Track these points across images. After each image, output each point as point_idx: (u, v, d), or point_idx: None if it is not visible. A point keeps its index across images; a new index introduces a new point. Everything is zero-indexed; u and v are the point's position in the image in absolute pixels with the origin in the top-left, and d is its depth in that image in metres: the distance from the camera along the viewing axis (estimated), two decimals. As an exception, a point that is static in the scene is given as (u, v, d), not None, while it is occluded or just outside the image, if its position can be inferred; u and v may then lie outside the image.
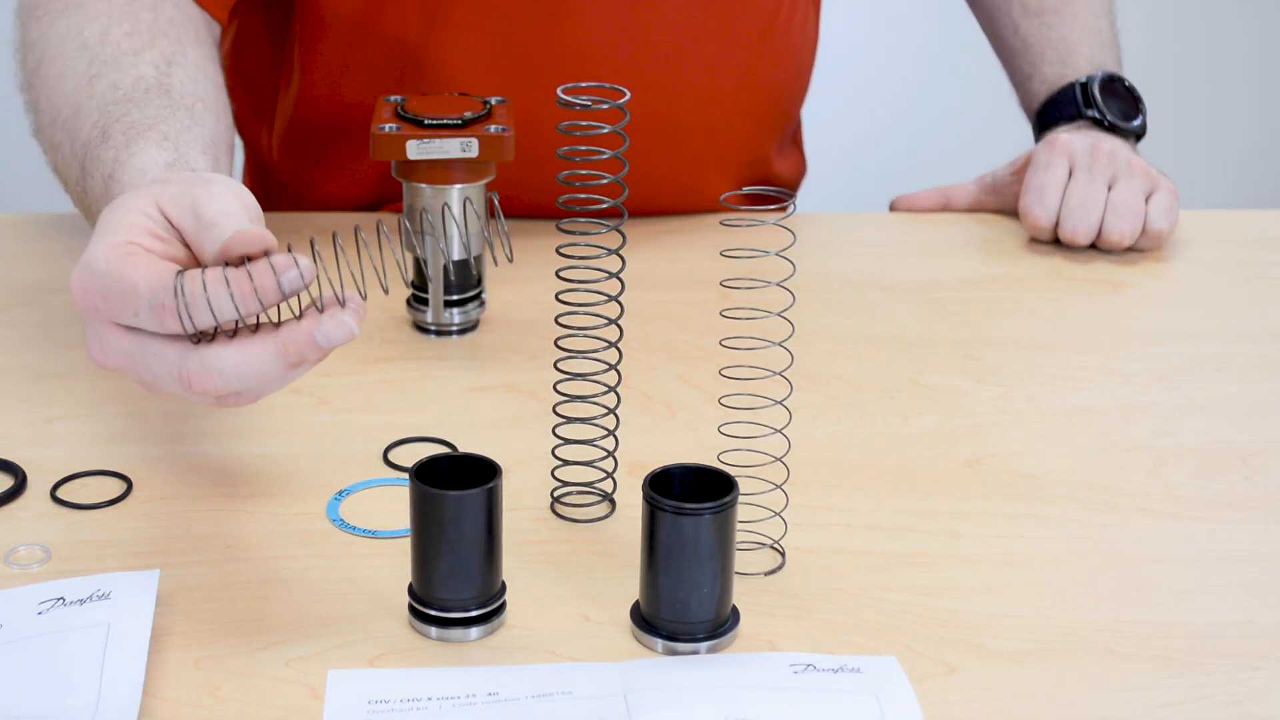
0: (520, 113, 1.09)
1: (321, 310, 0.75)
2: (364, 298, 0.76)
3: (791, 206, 0.88)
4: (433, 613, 0.78)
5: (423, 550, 0.77)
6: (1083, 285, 1.20)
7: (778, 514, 0.85)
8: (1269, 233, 1.33)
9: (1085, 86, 1.31)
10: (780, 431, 0.84)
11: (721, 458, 0.83)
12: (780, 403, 0.84)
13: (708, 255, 1.17)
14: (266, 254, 0.74)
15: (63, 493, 0.89)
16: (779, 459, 0.84)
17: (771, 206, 1.12)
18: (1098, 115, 1.30)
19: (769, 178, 1.34)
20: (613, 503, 0.90)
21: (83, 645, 0.75)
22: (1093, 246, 1.25)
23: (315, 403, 1.00)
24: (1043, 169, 1.26)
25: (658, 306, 1.12)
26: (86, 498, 0.89)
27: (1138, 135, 1.32)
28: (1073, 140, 1.27)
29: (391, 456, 0.94)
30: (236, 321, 0.74)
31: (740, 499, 0.77)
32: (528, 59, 1.19)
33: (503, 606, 0.79)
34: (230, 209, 0.77)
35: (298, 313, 0.75)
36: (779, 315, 0.82)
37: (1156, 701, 0.76)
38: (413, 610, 0.79)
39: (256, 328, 0.75)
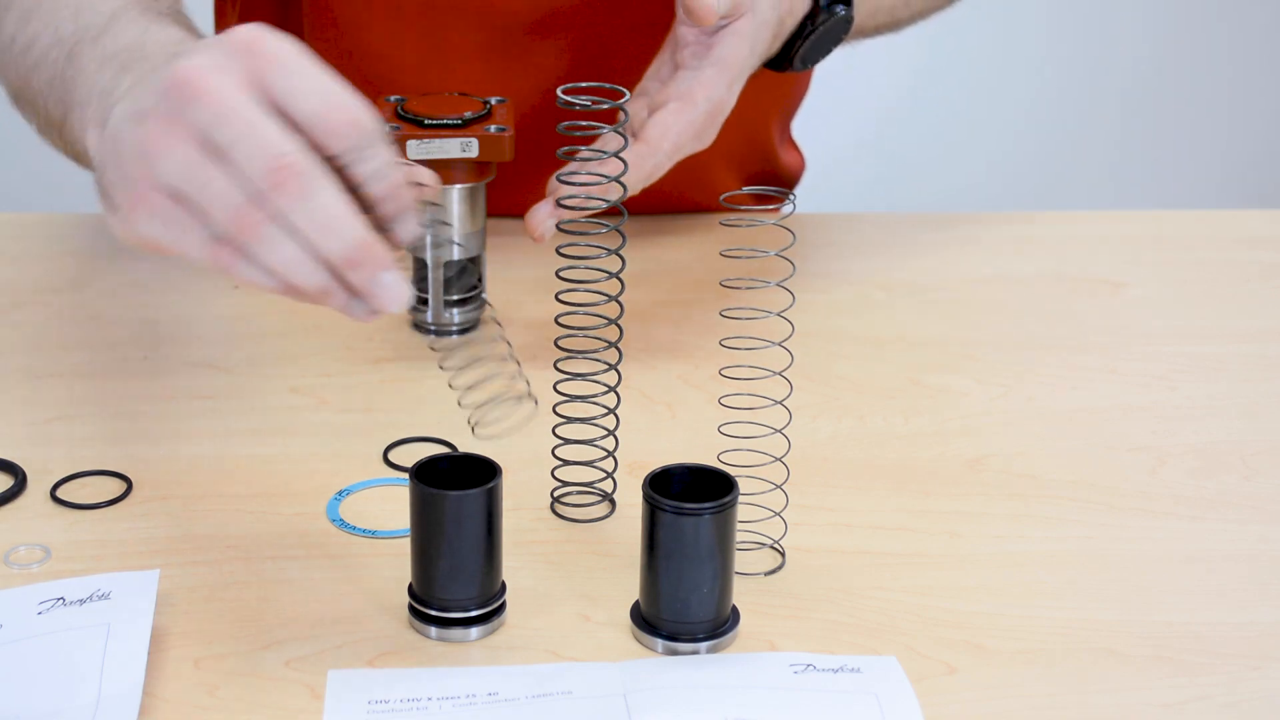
0: (521, 107, 1.08)
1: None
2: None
3: (791, 206, 0.88)
4: (433, 613, 0.78)
5: (423, 550, 0.77)
6: (1083, 285, 1.20)
7: (778, 514, 0.85)
8: (1269, 233, 1.32)
9: None
10: (780, 431, 0.84)
11: (721, 458, 0.83)
12: (780, 403, 0.84)
13: (708, 255, 1.18)
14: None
15: (63, 493, 0.89)
16: (779, 459, 0.84)
17: (771, 206, 1.12)
18: None
19: (773, 167, 1.34)
20: (613, 503, 0.90)
21: (83, 645, 0.75)
22: None
23: (315, 403, 1.00)
24: None
25: (658, 306, 1.12)
26: (86, 498, 0.89)
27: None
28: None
29: (391, 456, 0.94)
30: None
31: (740, 499, 0.77)
32: (524, 48, 1.19)
33: (503, 606, 0.80)
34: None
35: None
36: (779, 315, 0.82)
37: (1156, 701, 0.76)
38: (413, 610, 0.79)
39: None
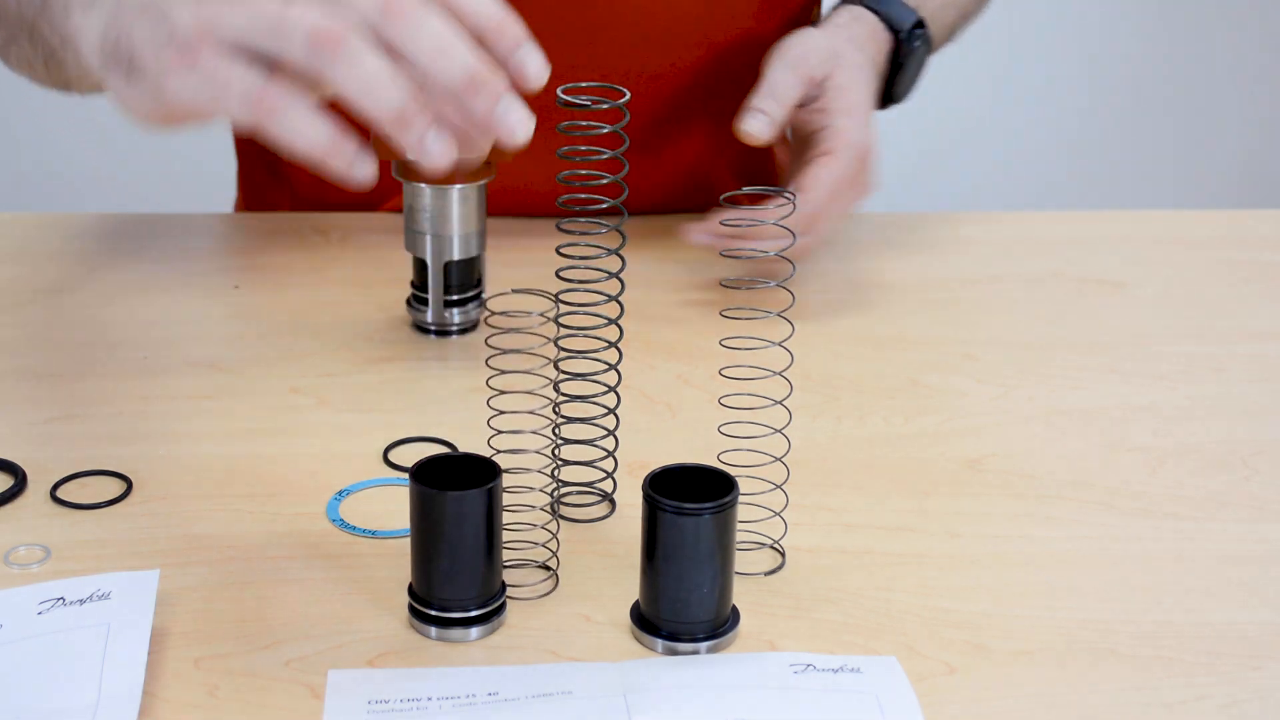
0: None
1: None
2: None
3: (792, 206, 0.88)
4: (433, 613, 0.78)
5: (423, 550, 0.77)
6: (1083, 285, 1.20)
7: (778, 514, 0.85)
8: (1269, 233, 1.32)
9: None
10: (780, 431, 0.84)
11: (721, 458, 0.83)
12: (780, 403, 0.84)
13: (708, 255, 1.18)
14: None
15: (63, 493, 0.89)
16: (779, 459, 0.84)
17: (771, 206, 1.12)
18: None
19: (773, 167, 1.34)
20: (613, 503, 0.90)
21: (83, 645, 0.75)
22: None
23: (315, 403, 1.00)
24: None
25: (658, 306, 1.12)
26: (86, 498, 0.89)
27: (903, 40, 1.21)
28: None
29: (391, 456, 0.94)
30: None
31: (740, 499, 0.77)
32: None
33: (503, 606, 0.80)
34: None
35: None
36: (779, 315, 0.82)
37: (1156, 701, 0.76)
38: (413, 610, 0.79)
39: None
